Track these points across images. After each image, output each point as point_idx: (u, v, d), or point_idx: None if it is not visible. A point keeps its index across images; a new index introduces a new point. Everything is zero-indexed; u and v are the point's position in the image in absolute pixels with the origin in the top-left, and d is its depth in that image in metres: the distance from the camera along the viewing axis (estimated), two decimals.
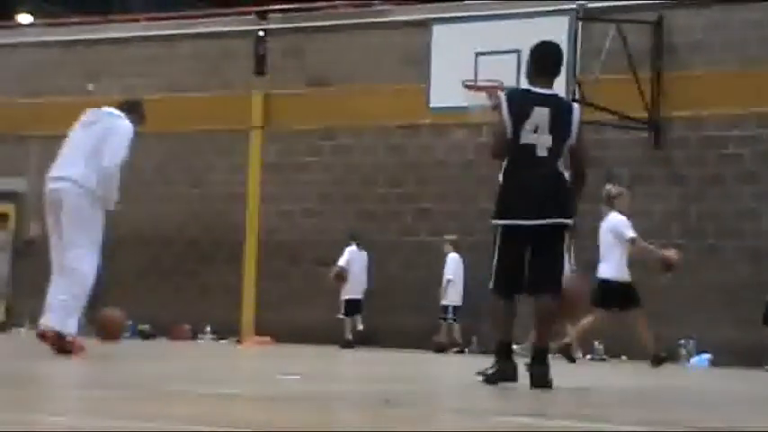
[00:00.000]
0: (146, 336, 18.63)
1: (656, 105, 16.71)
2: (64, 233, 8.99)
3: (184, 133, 19.52)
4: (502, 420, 4.92)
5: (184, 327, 18.85)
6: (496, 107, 15.89)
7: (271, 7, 20.14)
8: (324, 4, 20.26)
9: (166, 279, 19.38)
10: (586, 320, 12.78)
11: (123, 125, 9.19)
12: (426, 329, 17.36)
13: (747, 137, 16.41)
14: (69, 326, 8.74)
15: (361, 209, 18.62)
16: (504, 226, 7.03)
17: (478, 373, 7.15)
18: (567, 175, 7.04)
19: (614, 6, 17.05)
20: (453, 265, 17.43)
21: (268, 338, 18.29)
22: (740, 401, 7.53)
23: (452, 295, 17.31)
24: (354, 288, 17.71)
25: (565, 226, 7.04)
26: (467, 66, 15.79)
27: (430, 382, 8.45)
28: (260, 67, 19.60)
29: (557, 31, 15.55)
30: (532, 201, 6.95)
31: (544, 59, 7.22)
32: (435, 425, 4.68)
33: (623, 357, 15.87)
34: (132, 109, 9.47)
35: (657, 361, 12.86)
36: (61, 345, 8.72)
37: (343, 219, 18.59)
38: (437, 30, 16.49)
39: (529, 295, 7.15)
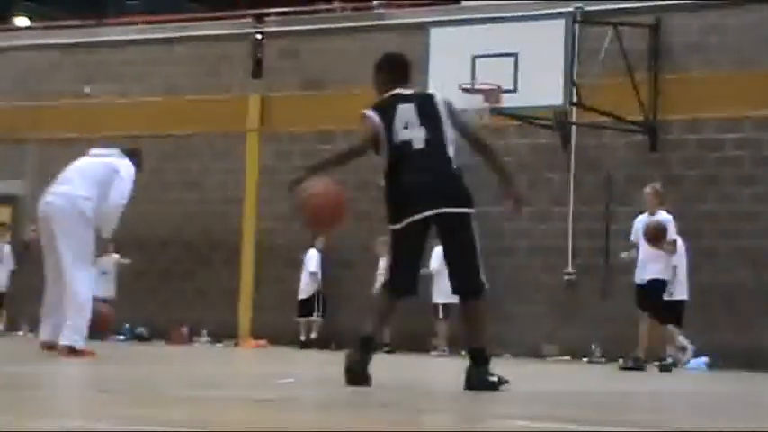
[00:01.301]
0: (142, 338, 18.62)
1: (653, 108, 16.73)
2: (58, 251, 9.34)
3: (181, 136, 19.52)
4: (496, 424, 4.91)
5: (181, 329, 18.84)
6: (493, 111, 15.88)
7: (268, 10, 20.16)
8: (320, 7, 20.29)
9: (163, 282, 19.37)
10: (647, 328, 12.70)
11: (130, 168, 9.72)
12: (422, 332, 17.35)
13: (744, 139, 16.43)
14: (78, 340, 9.18)
15: (357, 211, 18.59)
16: (403, 226, 6.80)
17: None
18: (455, 165, 6.89)
19: (611, 9, 17.07)
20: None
21: (265, 341, 18.30)
22: (721, 404, 7.53)
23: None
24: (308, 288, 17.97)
25: (467, 215, 6.83)
26: (464, 69, 15.76)
27: (425, 385, 8.43)
28: (257, 70, 19.62)
29: (554, 33, 15.60)
30: (420, 194, 6.77)
31: (394, 68, 7.18)
32: (432, 427, 4.66)
33: (620, 361, 15.83)
34: (133, 155, 9.97)
35: (633, 366, 12.78)
36: (74, 356, 9.07)
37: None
38: (434, 33, 16.46)
39: (455, 294, 6.94)
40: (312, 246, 18.18)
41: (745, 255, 16.13)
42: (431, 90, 7.36)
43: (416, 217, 6.73)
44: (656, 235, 12.82)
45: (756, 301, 15.86)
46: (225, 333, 18.80)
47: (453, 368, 12.51)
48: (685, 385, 10.67)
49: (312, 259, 18.19)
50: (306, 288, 18.17)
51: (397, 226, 6.81)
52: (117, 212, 9.55)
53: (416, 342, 17.28)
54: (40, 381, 6.73)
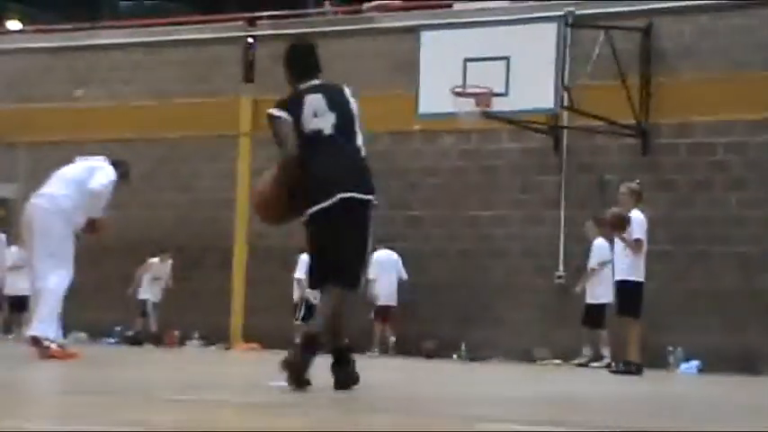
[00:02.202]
0: (132, 342, 18.58)
1: (644, 111, 16.74)
2: (33, 250, 9.62)
3: (173, 139, 19.49)
4: (489, 426, 4.90)
5: (173, 333, 18.81)
6: (485, 114, 15.88)
7: (259, 14, 20.14)
8: (312, 10, 20.29)
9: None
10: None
11: (111, 171, 9.95)
12: (414, 335, 17.35)
13: (736, 143, 16.44)
14: (43, 330, 9.28)
15: None
16: (314, 213, 6.68)
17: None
18: (363, 153, 6.80)
19: (603, 13, 17.08)
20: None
21: (257, 345, 18.27)
22: (688, 406, 7.54)
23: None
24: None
25: (370, 203, 6.73)
26: (455, 72, 15.74)
27: (417, 388, 8.43)
28: (248, 73, 19.60)
29: (546, 37, 15.59)
30: (332, 179, 6.66)
31: (301, 62, 7.04)
32: (427, 428, 4.66)
33: (612, 364, 15.85)
34: (119, 165, 10.19)
35: (624, 370, 12.77)
36: (40, 350, 9.16)
37: None
38: (426, 36, 16.45)
39: (329, 284, 6.72)
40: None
41: (735, 259, 16.14)
42: (342, 84, 6.97)
43: (328, 202, 6.60)
44: (613, 223, 12.84)
45: (747, 304, 15.87)
46: (217, 336, 18.77)
47: (444, 372, 12.51)
48: (676, 388, 10.69)
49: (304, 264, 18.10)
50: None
51: (312, 210, 6.64)
52: (99, 198, 9.76)
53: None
54: (31, 384, 6.71)
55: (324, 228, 6.68)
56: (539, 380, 11.20)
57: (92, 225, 9.87)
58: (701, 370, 15.42)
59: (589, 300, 15.85)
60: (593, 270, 15.83)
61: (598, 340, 15.89)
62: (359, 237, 6.71)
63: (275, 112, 6.84)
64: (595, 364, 15.55)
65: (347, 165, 6.74)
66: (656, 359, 15.47)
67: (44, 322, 9.33)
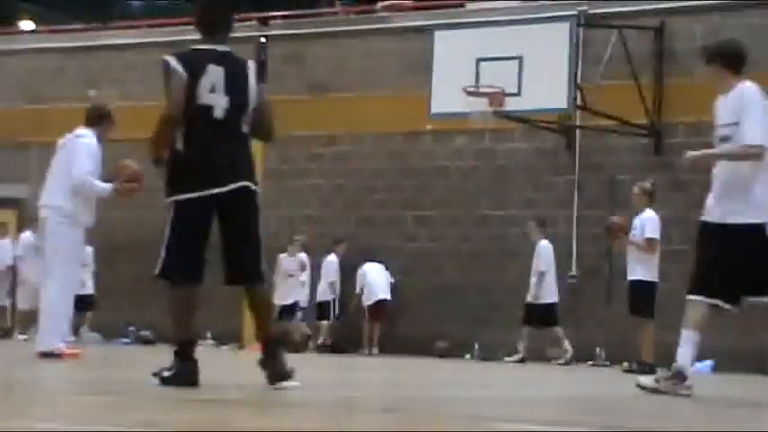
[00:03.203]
0: (147, 342, 18.61)
1: (657, 111, 16.73)
2: (44, 255, 9.72)
3: None
4: (498, 426, 4.89)
5: None
6: (497, 114, 15.85)
7: (272, 14, 20.16)
8: (325, 10, 20.31)
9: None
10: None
11: (81, 142, 9.77)
12: (427, 336, 17.35)
13: None
14: (49, 344, 9.34)
15: (361, 215, 18.63)
16: (183, 201, 6.29)
17: (154, 374, 6.42)
18: (249, 141, 6.49)
19: (616, 12, 17.06)
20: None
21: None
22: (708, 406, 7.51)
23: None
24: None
25: (256, 194, 6.43)
26: (468, 72, 15.78)
27: (428, 389, 8.42)
28: (260, 73, 19.55)
29: (558, 36, 15.60)
30: (216, 167, 6.28)
31: (213, 13, 6.55)
32: (438, 428, 4.65)
33: (624, 364, 15.82)
34: (96, 119, 10.08)
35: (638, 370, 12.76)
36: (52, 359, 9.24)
37: (343, 225, 18.60)
38: (438, 36, 16.47)
39: (231, 284, 6.58)
40: (333, 251, 18.13)
41: None
42: (248, 60, 6.55)
43: (207, 192, 6.27)
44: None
45: (761, 304, 15.79)
46: (229, 336, 18.78)
47: (452, 371, 12.49)
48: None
49: (332, 266, 18.11)
50: (323, 292, 18.09)
51: (181, 197, 6.28)
52: (85, 188, 9.60)
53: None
54: (42, 384, 6.72)
55: (198, 218, 6.33)
56: (551, 380, 11.19)
57: (130, 177, 9.55)
58: (714, 370, 15.38)
59: (536, 300, 15.95)
60: (541, 273, 15.88)
61: (557, 338, 16.03)
62: (253, 229, 6.46)
63: (173, 62, 6.33)
64: (561, 361, 15.76)
65: (234, 154, 6.35)
66: (670, 359, 15.41)
67: (48, 334, 9.40)
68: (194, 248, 6.44)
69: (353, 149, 18.84)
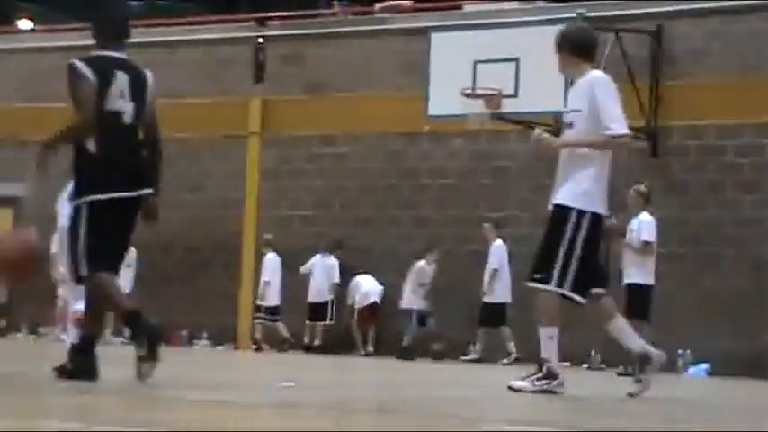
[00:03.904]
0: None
1: (654, 114, 16.78)
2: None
3: (183, 139, 19.48)
4: (490, 427, 4.91)
5: (180, 332, 18.83)
6: (494, 116, 15.91)
7: (270, 15, 20.20)
8: (323, 11, 20.36)
9: (164, 285, 19.36)
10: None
11: None
12: (425, 337, 17.38)
13: (746, 146, 16.48)
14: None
15: (358, 215, 18.67)
16: (97, 201, 6.49)
17: (54, 369, 6.51)
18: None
19: (613, 15, 17.11)
20: (271, 266, 18.11)
21: (265, 345, 18.33)
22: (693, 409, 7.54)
23: (270, 297, 18.05)
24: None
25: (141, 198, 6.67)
26: (465, 74, 15.85)
27: (421, 389, 8.46)
28: (259, 73, 19.64)
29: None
30: (127, 171, 6.55)
31: (113, 22, 6.80)
32: (437, 428, 4.67)
33: (620, 367, 15.84)
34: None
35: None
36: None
37: (341, 225, 18.64)
38: (435, 38, 16.54)
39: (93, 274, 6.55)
40: (333, 254, 18.22)
41: (746, 261, 16.17)
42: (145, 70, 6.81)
43: (126, 194, 6.52)
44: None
45: (758, 307, 15.87)
46: (225, 336, 18.81)
47: (447, 372, 12.52)
48: (687, 391, 10.69)
49: (333, 269, 18.17)
50: (320, 293, 18.13)
51: (98, 197, 6.47)
52: None
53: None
54: (35, 382, 6.72)
55: (111, 217, 6.53)
56: None
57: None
58: (710, 373, 15.44)
59: (488, 299, 16.33)
60: (494, 271, 16.27)
61: (503, 338, 16.34)
62: (131, 232, 6.77)
63: (82, 68, 6.52)
64: (505, 361, 16.01)
65: (141, 158, 6.61)
66: (667, 362, 15.46)
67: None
68: (114, 244, 6.65)
69: (352, 150, 18.88)
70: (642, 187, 13.26)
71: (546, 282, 7.21)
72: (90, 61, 6.59)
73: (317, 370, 11.37)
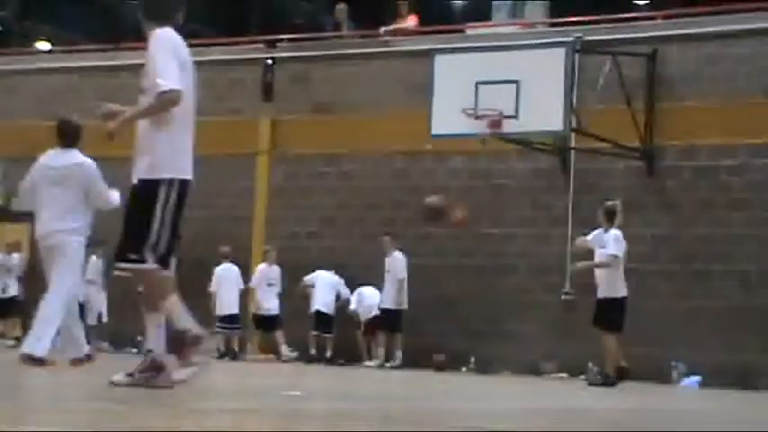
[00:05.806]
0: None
1: (649, 134, 17.04)
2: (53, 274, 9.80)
3: (194, 157, 19.89)
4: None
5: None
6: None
7: (279, 36, 20.54)
8: (330, 33, 20.66)
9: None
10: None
11: (91, 168, 10.05)
12: (427, 348, 17.68)
13: (737, 166, 16.74)
14: (39, 348, 9.38)
15: (364, 232, 18.91)
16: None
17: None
18: None
19: (610, 39, 17.40)
20: (222, 275, 18.78)
21: (273, 356, 18.63)
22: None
23: (223, 307, 18.54)
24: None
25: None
26: (467, 94, 15.94)
27: (425, 400, 8.51)
28: (268, 93, 19.95)
29: (555, 62, 15.89)
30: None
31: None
32: None
33: (581, 376, 16.09)
34: (75, 137, 10.29)
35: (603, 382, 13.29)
36: (36, 364, 9.28)
37: (348, 241, 18.93)
38: (439, 60, 16.69)
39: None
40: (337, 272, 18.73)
41: (736, 277, 16.44)
42: None
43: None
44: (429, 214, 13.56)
45: (747, 321, 16.21)
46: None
47: (446, 384, 12.78)
48: (678, 402, 11.03)
49: (340, 284, 18.66)
50: (329, 305, 18.49)
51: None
52: (111, 200, 9.96)
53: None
54: (45, 389, 6.84)
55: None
56: (544, 393, 11.46)
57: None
58: (701, 385, 15.78)
59: (398, 306, 17.48)
60: (400, 280, 17.45)
61: (395, 343, 17.50)
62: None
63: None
64: (388, 365, 17.20)
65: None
66: (659, 374, 15.90)
67: (44, 340, 9.49)
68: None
69: (357, 168, 19.18)
70: (610, 203, 13.71)
71: (142, 261, 6.80)
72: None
73: (326, 380, 11.49)
